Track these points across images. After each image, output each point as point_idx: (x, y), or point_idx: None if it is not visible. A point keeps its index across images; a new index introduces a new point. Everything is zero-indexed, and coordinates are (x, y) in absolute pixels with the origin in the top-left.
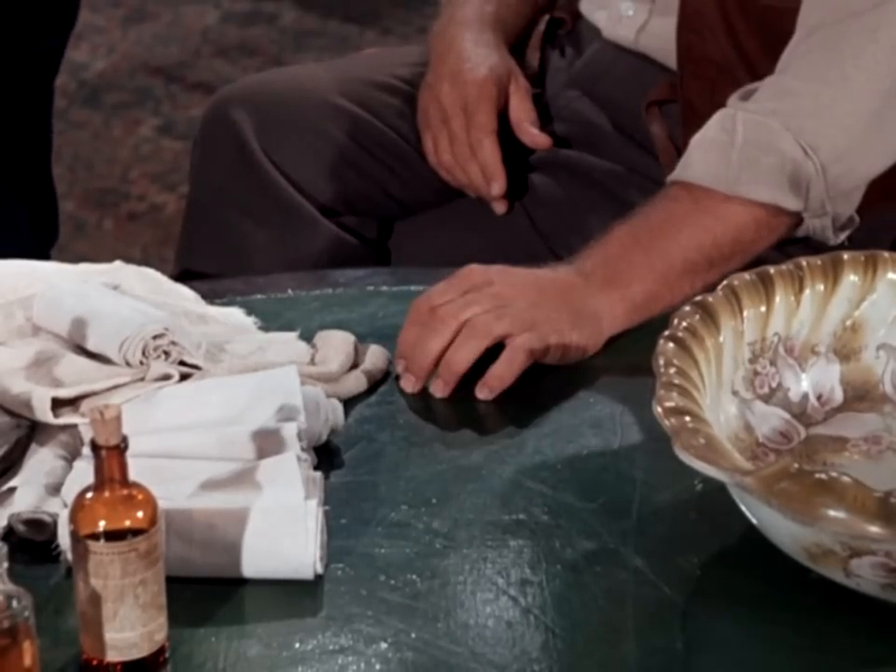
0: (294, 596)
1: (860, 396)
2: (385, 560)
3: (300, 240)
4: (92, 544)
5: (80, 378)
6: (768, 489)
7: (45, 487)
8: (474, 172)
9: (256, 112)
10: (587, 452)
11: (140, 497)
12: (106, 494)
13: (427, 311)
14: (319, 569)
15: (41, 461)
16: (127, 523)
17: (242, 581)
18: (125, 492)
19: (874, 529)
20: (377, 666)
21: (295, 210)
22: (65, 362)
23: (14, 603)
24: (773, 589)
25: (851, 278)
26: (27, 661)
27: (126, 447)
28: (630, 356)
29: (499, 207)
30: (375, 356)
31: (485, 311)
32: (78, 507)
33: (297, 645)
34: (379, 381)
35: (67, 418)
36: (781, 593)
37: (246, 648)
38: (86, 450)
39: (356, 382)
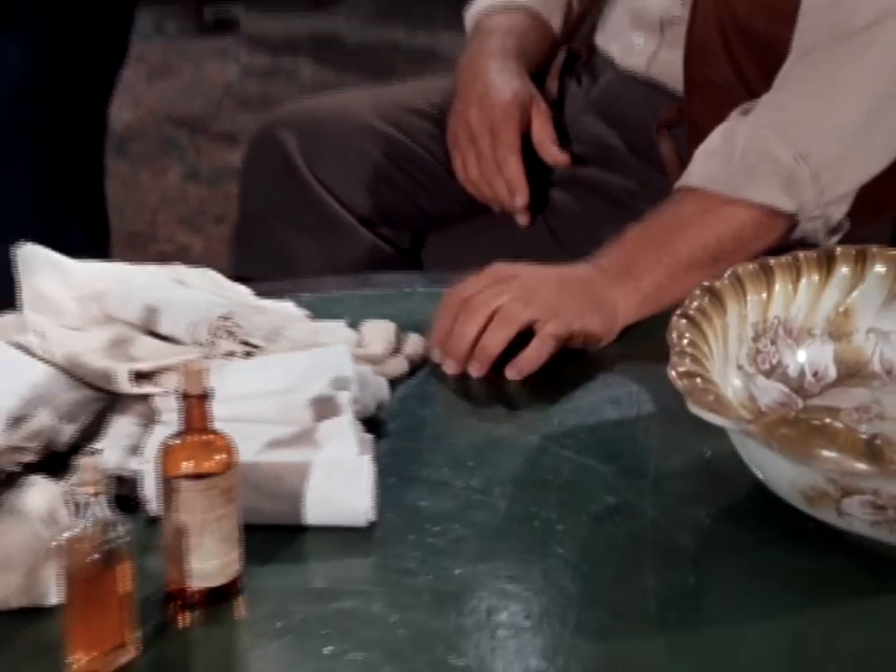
0: (350, 540)
1: (851, 373)
2: (429, 511)
3: (340, 248)
4: (180, 482)
5: (154, 356)
6: (770, 434)
7: (125, 449)
8: (499, 186)
9: (301, 133)
10: (607, 423)
11: (220, 442)
12: (192, 438)
13: (460, 301)
14: (372, 517)
15: (121, 427)
16: (209, 464)
17: (304, 528)
18: (208, 437)
19: (861, 466)
20: (425, 597)
21: (336, 221)
22: (140, 343)
23: (114, 530)
24: (773, 535)
25: (843, 270)
26: (126, 585)
27: (210, 396)
28: (643, 345)
29: (522, 219)
30: (415, 343)
31: (514, 299)
32: (167, 450)
33: (355, 579)
34: (418, 366)
35: (144, 388)
36: (781, 539)
37: (311, 581)
38: (164, 416)
39: (398, 364)
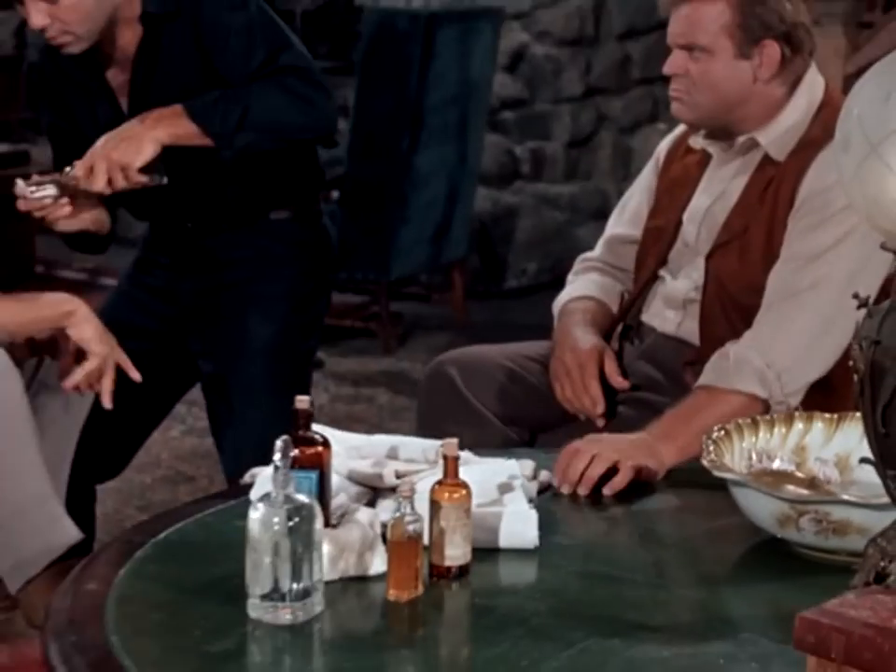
0: (524, 554)
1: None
2: (565, 544)
3: (485, 437)
4: (442, 503)
5: (404, 467)
6: (757, 479)
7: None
8: (586, 402)
9: (460, 367)
10: (660, 510)
11: (463, 484)
12: (448, 481)
13: (573, 451)
14: (537, 543)
15: (386, 504)
16: (458, 495)
17: (497, 549)
18: (457, 480)
19: (806, 492)
20: (570, 577)
21: (483, 420)
22: (390, 463)
23: (414, 521)
24: (764, 552)
25: (799, 425)
26: (418, 554)
27: (458, 458)
28: (681, 476)
29: (600, 423)
30: (545, 475)
31: (604, 449)
32: (435, 488)
33: (529, 569)
34: (545, 488)
35: (401, 481)
36: (768, 554)
37: (507, 570)
38: (417, 495)
39: (535, 485)
